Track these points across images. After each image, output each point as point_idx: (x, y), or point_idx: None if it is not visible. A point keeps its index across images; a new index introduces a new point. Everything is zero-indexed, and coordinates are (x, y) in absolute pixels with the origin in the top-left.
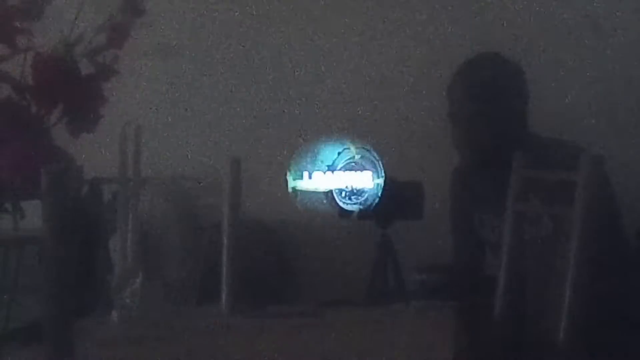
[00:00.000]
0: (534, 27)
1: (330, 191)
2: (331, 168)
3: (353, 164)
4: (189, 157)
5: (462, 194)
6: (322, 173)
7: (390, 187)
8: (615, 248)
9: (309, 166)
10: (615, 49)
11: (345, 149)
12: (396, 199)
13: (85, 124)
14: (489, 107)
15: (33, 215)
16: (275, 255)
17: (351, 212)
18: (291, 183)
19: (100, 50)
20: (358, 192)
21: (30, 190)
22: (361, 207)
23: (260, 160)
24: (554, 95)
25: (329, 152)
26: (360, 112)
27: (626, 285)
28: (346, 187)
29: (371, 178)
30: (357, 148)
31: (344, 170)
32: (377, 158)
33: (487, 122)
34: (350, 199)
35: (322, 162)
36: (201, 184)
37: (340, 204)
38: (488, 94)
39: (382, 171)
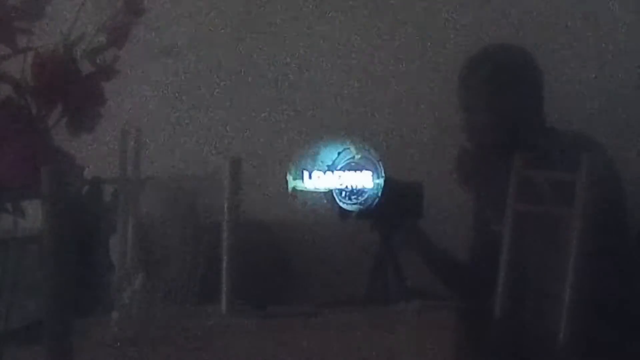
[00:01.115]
0: (534, 25)
1: (330, 191)
2: (331, 168)
3: (353, 164)
4: (189, 157)
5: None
6: (322, 173)
7: (390, 187)
8: (617, 247)
9: (309, 166)
10: (617, 45)
11: (345, 149)
12: (396, 199)
13: (85, 124)
14: (504, 99)
15: (33, 215)
16: (275, 255)
17: (351, 212)
18: (291, 183)
19: (100, 50)
20: (358, 192)
21: (30, 190)
22: (361, 207)
23: (260, 160)
24: (561, 91)
25: (329, 152)
26: (360, 112)
27: (626, 285)
28: (346, 187)
29: (371, 178)
30: (357, 148)
31: (344, 170)
32: (377, 158)
33: (504, 114)
34: (350, 199)
35: (322, 162)
36: (201, 184)
37: (340, 204)
38: (503, 86)
39: (382, 171)
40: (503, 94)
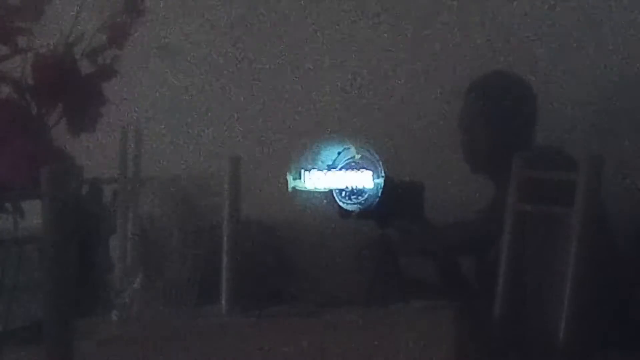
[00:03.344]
0: (535, 27)
1: (330, 191)
2: (331, 168)
3: (353, 164)
4: (189, 157)
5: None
6: (322, 173)
7: (390, 187)
8: (613, 247)
9: (309, 166)
10: (615, 52)
11: (345, 149)
12: (396, 199)
13: (85, 124)
14: (499, 127)
15: (33, 215)
16: (275, 256)
17: (351, 212)
18: (291, 183)
19: (100, 50)
20: (358, 192)
21: (30, 190)
22: (361, 207)
23: (260, 160)
24: (555, 100)
25: (329, 152)
26: (360, 112)
27: (625, 285)
28: (346, 187)
29: (371, 178)
30: (357, 148)
31: (344, 170)
32: (377, 158)
33: (498, 141)
34: (350, 199)
35: (322, 162)
36: (201, 184)
37: (340, 204)
38: (497, 115)
39: (382, 171)
40: (498, 120)
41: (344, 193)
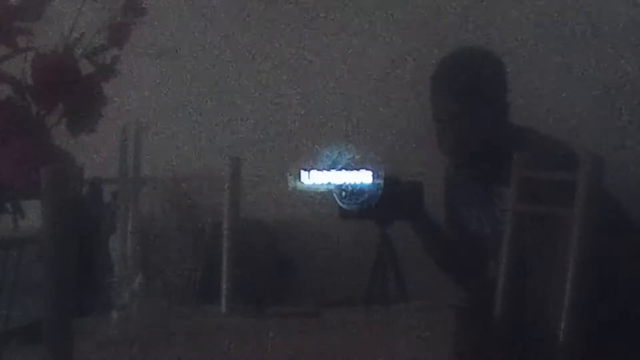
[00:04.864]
0: (532, 25)
1: (330, 191)
2: (331, 168)
3: (353, 164)
4: (189, 157)
5: (451, 192)
6: (322, 173)
7: (390, 187)
8: (616, 246)
9: (309, 166)
10: (614, 47)
11: (345, 148)
12: (396, 199)
13: (85, 124)
14: (469, 103)
15: (33, 215)
16: (275, 255)
17: (351, 212)
18: (291, 183)
19: (100, 50)
20: (358, 192)
21: (30, 190)
22: (361, 207)
23: (260, 160)
24: (551, 92)
25: (329, 152)
26: (360, 112)
27: (626, 285)
28: (346, 187)
29: (371, 178)
30: (357, 148)
31: (344, 170)
32: (377, 158)
33: (468, 118)
34: (350, 199)
35: (322, 161)
36: (201, 184)
37: (340, 204)
38: (467, 90)
39: (382, 171)
40: (469, 101)
41: (344, 193)
